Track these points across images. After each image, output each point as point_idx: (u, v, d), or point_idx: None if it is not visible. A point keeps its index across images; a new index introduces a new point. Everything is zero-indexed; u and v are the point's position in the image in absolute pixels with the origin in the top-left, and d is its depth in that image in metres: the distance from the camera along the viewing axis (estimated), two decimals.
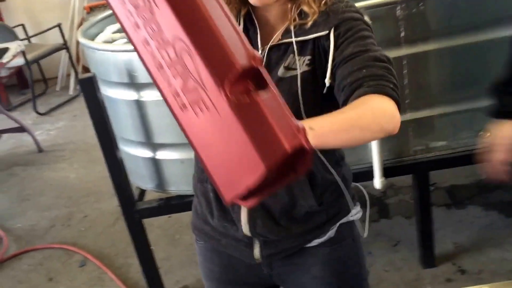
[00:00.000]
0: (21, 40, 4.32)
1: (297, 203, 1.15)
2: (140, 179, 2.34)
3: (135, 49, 0.72)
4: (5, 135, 4.56)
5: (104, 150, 2.09)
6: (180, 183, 2.24)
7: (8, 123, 4.36)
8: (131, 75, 2.04)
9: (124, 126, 2.22)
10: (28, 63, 4.71)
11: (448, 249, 2.50)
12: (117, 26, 2.45)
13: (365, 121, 0.88)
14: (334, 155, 1.18)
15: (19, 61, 4.65)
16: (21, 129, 4.25)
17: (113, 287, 2.64)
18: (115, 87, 2.14)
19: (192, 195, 2.22)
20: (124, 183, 2.19)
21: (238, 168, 0.66)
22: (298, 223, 1.17)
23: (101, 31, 2.42)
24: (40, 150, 4.26)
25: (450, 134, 2.13)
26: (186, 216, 3.09)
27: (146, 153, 2.23)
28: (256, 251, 1.20)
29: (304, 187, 1.13)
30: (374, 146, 2.01)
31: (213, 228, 1.24)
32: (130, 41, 0.72)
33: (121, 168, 2.15)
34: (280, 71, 1.07)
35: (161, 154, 2.21)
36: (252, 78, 0.67)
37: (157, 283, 2.44)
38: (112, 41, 2.33)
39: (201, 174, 1.23)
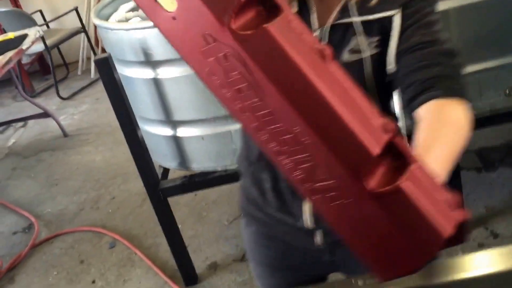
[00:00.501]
0: (40, 26, 4.32)
1: None
2: (162, 158, 2.33)
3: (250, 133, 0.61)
4: (30, 122, 4.61)
5: (124, 130, 2.08)
6: (203, 160, 2.23)
7: (33, 110, 4.40)
8: (146, 53, 2.01)
9: (143, 105, 2.21)
10: (48, 48, 4.72)
11: (480, 213, 2.44)
12: (130, 4, 2.42)
13: (460, 146, 0.80)
14: None
15: (39, 47, 4.67)
16: (45, 114, 4.28)
17: (143, 267, 2.66)
18: (131, 66, 2.12)
19: (215, 172, 2.25)
20: (146, 163, 2.18)
21: (394, 256, 0.60)
22: None
23: (115, 11, 2.40)
24: (65, 134, 4.29)
25: (475, 95, 2.06)
26: (212, 193, 3.12)
27: (167, 131, 2.21)
28: (318, 239, 1.13)
29: None
30: (399, 113, 1.94)
31: (268, 214, 1.17)
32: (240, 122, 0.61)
33: (142, 148, 2.14)
34: (345, 56, 0.96)
35: (182, 131, 2.18)
36: (390, 155, 0.56)
37: (186, 261, 2.45)
38: (126, 20, 2.30)
39: (253, 158, 1.14)
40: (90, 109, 4.71)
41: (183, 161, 2.27)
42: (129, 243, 2.83)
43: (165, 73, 2.06)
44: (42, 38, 4.51)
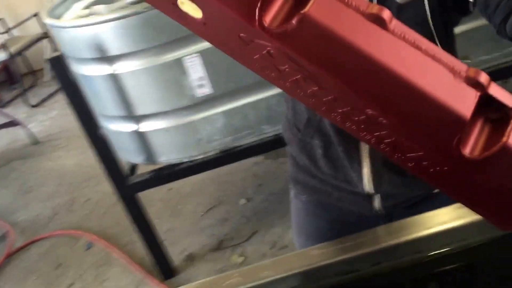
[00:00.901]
0: (1, 33, 4.27)
1: None
2: (129, 154, 2.32)
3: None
4: (0, 132, 4.55)
5: (85, 129, 2.07)
6: (169, 152, 2.22)
7: (2, 120, 4.35)
8: (100, 49, 2.00)
9: (104, 102, 2.19)
10: (12, 56, 4.66)
11: None
12: (84, 2, 2.40)
13: None
14: None
15: (2, 55, 4.60)
16: (13, 123, 4.24)
17: (120, 265, 2.65)
18: (88, 63, 2.10)
19: (182, 163, 2.25)
20: (112, 160, 2.17)
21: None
22: None
23: (68, 10, 2.37)
24: (36, 142, 4.25)
25: (491, 47, 2.05)
26: (186, 186, 3.11)
27: (130, 126, 2.20)
28: (376, 203, 1.07)
29: None
30: None
31: (322, 180, 1.10)
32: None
33: (106, 145, 2.13)
34: None
35: (145, 126, 2.18)
36: (487, 108, 0.49)
37: (162, 255, 2.45)
38: (79, 17, 2.27)
39: (301, 124, 1.06)
40: (60, 114, 4.67)
41: (149, 155, 2.26)
42: (106, 243, 2.82)
43: (122, 67, 2.05)
44: (4, 46, 4.45)
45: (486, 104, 0.48)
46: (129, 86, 2.09)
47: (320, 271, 0.88)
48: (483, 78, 0.47)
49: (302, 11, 0.45)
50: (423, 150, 0.51)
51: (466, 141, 0.48)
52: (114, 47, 2.00)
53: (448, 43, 0.94)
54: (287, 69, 0.49)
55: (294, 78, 0.50)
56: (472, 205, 0.56)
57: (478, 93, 0.47)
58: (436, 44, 0.84)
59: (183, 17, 0.50)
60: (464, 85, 0.47)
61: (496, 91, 0.48)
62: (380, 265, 0.89)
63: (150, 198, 3.04)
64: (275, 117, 2.15)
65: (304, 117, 1.04)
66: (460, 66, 0.48)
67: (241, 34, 0.48)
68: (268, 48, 0.48)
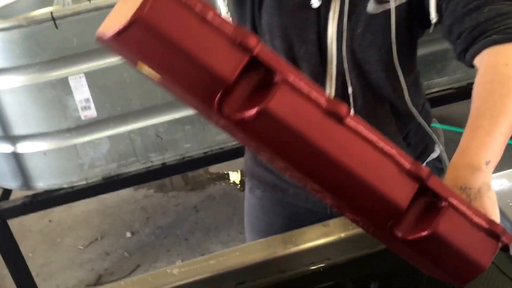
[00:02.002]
0: None
1: None
2: (2, 177, 2.14)
3: None
4: None
5: None
6: (48, 177, 2.08)
7: None
8: None
9: None
10: None
11: None
12: None
13: None
14: (422, 97, 1.04)
15: None
16: None
17: None
18: None
19: (61, 189, 2.11)
20: None
21: (448, 273, 0.60)
22: None
23: None
24: None
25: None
26: (68, 218, 2.94)
27: (5, 147, 2.04)
28: None
29: (391, 130, 0.98)
30: None
31: (279, 176, 1.08)
32: None
33: None
34: (370, 7, 0.86)
35: (22, 147, 2.03)
36: (423, 196, 0.56)
37: None
38: None
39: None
40: None
41: (25, 180, 2.10)
42: None
43: (0, 83, 1.91)
44: None
45: (423, 193, 0.55)
46: (7, 103, 1.94)
47: None
48: (424, 171, 0.53)
49: (262, 105, 0.47)
50: (362, 222, 0.57)
51: (400, 225, 0.55)
52: None
53: (411, 54, 0.97)
54: (241, 138, 0.54)
55: (256, 151, 0.55)
56: (416, 265, 0.62)
57: (416, 188, 0.54)
58: (398, 56, 0.88)
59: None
60: (405, 178, 0.53)
61: (433, 183, 0.54)
62: (244, 284, 0.85)
63: (27, 230, 2.83)
64: (163, 145, 2.09)
65: None
66: (405, 159, 0.53)
67: (201, 108, 0.51)
68: (223, 124, 0.51)
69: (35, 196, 2.10)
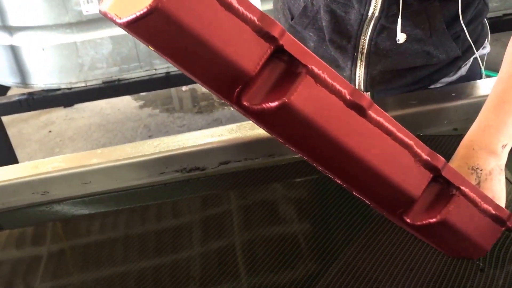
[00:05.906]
0: None
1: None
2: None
3: None
4: None
5: None
6: (45, 75, 1.97)
7: None
8: None
9: None
10: None
11: None
12: None
13: None
14: None
15: None
16: None
17: None
18: None
19: (58, 89, 2.00)
20: None
21: (456, 250, 0.63)
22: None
23: None
24: None
25: None
26: (69, 130, 2.85)
27: (2, 38, 1.93)
28: None
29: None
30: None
31: None
32: None
33: None
34: None
35: (20, 39, 1.91)
36: (436, 183, 0.57)
37: None
38: None
39: (295, 10, 0.93)
40: None
41: (22, 76, 1.99)
42: None
43: None
44: None
45: (436, 180, 0.56)
46: None
47: None
48: (440, 161, 0.54)
49: (284, 98, 0.46)
50: (371, 205, 0.59)
51: (410, 212, 0.57)
52: None
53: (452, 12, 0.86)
54: (257, 125, 0.52)
55: (279, 140, 0.54)
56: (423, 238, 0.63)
57: (429, 178, 0.55)
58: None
59: None
60: (421, 168, 0.54)
61: (447, 173, 0.55)
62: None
63: (26, 138, 2.76)
64: None
65: (300, 3, 0.90)
66: (422, 149, 0.54)
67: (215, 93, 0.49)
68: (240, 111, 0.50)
69: (31, 94, 1.99)
